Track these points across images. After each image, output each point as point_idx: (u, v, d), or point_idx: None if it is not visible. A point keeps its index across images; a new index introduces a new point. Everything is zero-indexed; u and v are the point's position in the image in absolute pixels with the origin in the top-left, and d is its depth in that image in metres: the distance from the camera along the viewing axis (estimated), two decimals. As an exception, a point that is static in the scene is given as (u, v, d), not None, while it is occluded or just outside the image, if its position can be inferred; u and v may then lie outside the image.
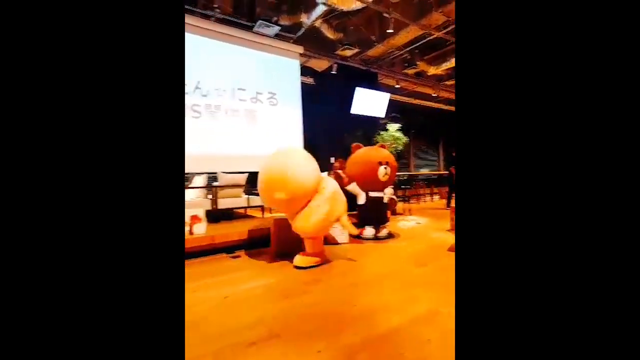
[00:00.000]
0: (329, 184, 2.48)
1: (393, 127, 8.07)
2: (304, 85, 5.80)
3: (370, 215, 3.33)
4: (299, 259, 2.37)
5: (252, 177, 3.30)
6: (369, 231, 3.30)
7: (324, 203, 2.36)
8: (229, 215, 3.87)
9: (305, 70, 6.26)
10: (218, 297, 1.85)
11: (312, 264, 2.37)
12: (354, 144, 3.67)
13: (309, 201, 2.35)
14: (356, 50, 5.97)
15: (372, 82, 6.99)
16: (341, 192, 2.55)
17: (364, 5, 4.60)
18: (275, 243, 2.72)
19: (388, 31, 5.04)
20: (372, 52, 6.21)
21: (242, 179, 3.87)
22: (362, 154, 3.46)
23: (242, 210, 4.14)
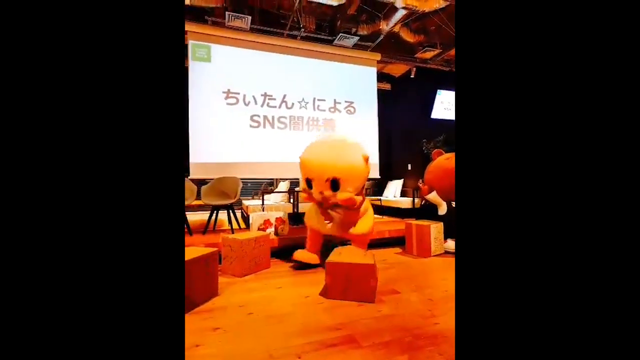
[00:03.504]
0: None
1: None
2: (380, 92, 5.76)
3: (452, 227, 3.09)
4: (301, 254, 2.59)
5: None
6: (451, 244, 3.06)
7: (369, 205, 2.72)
8: (307, 219, 4.11)
9: (382, 77, 6.22)
10: (300, 295, 2.00)
11: (312, 262, 2.58)
12: (435, 151, 3.47)
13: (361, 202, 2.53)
14: (437, 51, 5.64)
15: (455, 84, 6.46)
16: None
17: (447, 3, 4.33)
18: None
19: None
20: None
21: (320, 185, 4.07)
22: (443, 161, 3.25)
23: (319, 215, 4.34)
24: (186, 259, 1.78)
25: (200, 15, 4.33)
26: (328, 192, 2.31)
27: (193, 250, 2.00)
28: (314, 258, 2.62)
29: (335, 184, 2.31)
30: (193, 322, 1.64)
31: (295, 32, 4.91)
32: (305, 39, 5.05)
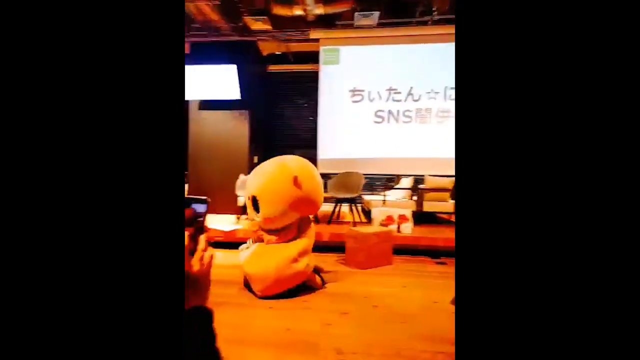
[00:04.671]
0: None
1: None
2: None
3: None
4: None
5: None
6: None
7: None
8: (433, 218, 3.83)
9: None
10: (427, 299, 1.88)
11: None
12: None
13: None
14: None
15: None
16: None
17: None
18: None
19: None
20: None
21: (449, 182, 3.69)
22: None
23: (445, 216, 3.96)
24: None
25: (330, 21, 4.66)
26: (250, 210, 2.12)
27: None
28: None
29: (255, 203, 2.06)
30: (325, 303, 1.81)
31: (426, 18, 4.57)
32: (437, 22, 4.63)
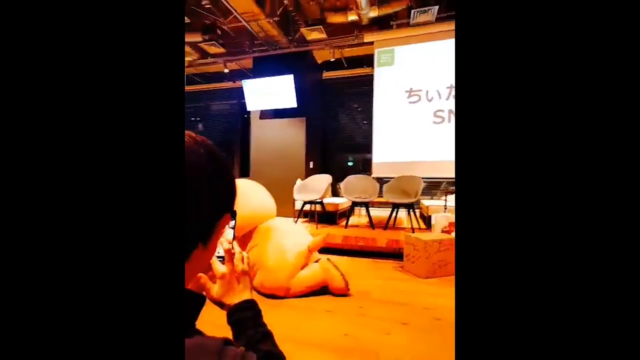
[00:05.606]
0: None
1: None
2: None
3: None
4: None
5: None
6: None
7: None
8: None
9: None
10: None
11: None
12: None
13: None
14: None
15: None
16: None
17: None
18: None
19: None
20: None
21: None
22: None
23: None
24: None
25: (385, 22, 4.58)
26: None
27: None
28: None
29: None
30: (383, 311, 1.77)
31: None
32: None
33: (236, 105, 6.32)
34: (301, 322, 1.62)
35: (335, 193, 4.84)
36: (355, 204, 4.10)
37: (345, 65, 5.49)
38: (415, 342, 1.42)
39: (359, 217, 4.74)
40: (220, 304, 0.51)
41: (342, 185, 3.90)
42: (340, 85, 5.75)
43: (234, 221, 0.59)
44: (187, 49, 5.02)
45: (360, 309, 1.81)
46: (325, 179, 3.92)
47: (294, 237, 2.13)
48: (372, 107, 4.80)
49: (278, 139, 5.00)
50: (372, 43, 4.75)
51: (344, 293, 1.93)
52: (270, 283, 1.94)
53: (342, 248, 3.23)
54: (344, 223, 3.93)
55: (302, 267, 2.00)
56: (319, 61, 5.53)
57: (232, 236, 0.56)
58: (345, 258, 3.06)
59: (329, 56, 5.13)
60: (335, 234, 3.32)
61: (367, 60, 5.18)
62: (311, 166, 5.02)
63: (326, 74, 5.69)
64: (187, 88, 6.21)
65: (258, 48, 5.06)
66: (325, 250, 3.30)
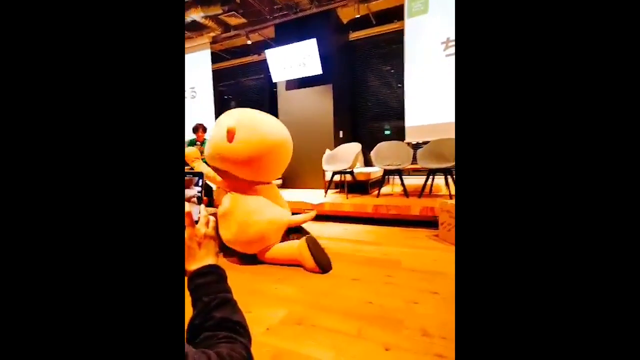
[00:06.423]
0: None
1: None
2: None
3: None
4: None
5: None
6: None
7: None
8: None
9: None
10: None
11: None
12: None
13: None
14: None
15: None
16: None
17: None
18: None
19: None
20: None
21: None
22: None
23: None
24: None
25: (417, -36, 4.01)
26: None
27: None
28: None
29: None
30: (412, 280, 1.68)
31: None
32: None
33: (263, 79, 6.23)
34: (327, 289, 1.60)
35: (368, 163, 4.65)
36: (387, 172, 3.90)
37: (374, 22, 5.02)
38: (443, 311, 1.32)
39: (393, 186, 4.54)
40: None
41: (372, 153, 3.71)
42: (369, 47, 5.31)
43: (201, 180, 0.55)
44: (209, 23, 4.96)
45: (388, 277, 1.73)
46: (354, 147, 3.75)
47: (279, 210, 2.15)
48: (403, 66, 4.39)
49: (305, 110, 4.86)
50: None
51: (316, 271, 1.87)
52: (239, 236, 1.98)
53: (372, 217, 3.13)
54: (376, 193, 3.79)
55: (282, 240, 2.07)
56: (345, 21, 5.12)
57: (197, 199, 0.54)
58: (374, 227, 2.97)
59: (354, 13, 4.71)
60: (366, 203, 3.21)
61: (398, 13, 4.66)
62: (341, 136, 4.84)
63: (353, 35, 5.27)
64: (216, 66, 6.23)
65: (279, 13, 4.82)
66: (356, 219, 3.23)
